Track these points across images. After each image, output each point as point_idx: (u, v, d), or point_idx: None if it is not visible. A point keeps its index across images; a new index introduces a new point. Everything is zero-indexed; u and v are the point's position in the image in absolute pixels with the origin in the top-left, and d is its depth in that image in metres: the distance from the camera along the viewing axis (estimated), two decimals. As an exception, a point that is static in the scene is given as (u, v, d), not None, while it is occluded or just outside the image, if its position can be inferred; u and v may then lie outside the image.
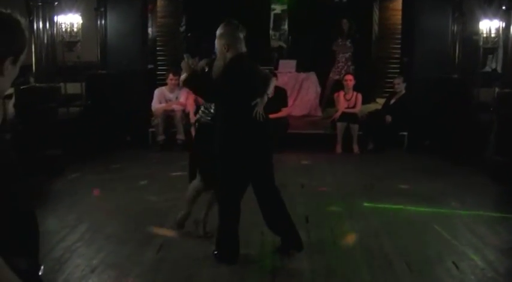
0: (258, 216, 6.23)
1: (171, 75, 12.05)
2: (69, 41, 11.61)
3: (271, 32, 17.46)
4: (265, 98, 6.09)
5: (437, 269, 5.91)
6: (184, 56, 5.95)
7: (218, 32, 6.00)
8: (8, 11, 2.25)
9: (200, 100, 11.82)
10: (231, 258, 5.98)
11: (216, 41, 5.97)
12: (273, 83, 6.58)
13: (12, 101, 9.65)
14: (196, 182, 6.62)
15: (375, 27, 15.55)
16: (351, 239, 6.77)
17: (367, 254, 6.26)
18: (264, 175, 6.17)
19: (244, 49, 5.99)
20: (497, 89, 10.76)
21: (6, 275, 2.09)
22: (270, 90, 6.30)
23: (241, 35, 5.97)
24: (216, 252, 6.05)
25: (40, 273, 2.42)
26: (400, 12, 14.83)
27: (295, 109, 13.64)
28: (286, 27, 17.60)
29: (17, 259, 2.21)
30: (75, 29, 11.62)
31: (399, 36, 14.84)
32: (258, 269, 5.91)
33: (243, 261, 6.02)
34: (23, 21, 2.28)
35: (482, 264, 5.92)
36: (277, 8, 17.81)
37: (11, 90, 9.53)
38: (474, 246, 6.44)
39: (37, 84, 9.84)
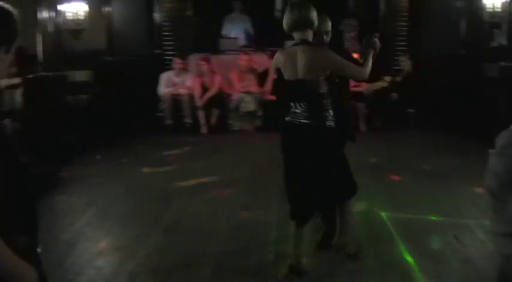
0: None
1: (177, 60, 12.18)
2: (76, 29, 11.65)
3: (277, 13, 17.47)
4: None
5: (438, 241, 5.98)
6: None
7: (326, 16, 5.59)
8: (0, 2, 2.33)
9: (209, 83, 11.97)
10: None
11: (329, 26, 5.55)
12: None
13: (20, 90, 9.73)
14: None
15: (382, 4, 15.47)
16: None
17: (370, 224, 6.33)
18: None
19: None
20: (502, 64, 10.75)
21: (5, 255, 2.18)
22: None
23: None
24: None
25: (39, 250, 2.52)
26: (406, -11, 14.75)
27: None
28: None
29: (17, 237, 2.31)
30: (81, 17, 11.66)
31: (406, 13, 14.76)
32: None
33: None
34: (15, 12, 2.36)
35: (483, 236, 5.96)
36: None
37: (18, 80, 9.62)
38: (476, 219, 6.48)
39: (44, 73, 9.91)
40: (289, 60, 5.18)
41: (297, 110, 5.15)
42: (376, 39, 5.42)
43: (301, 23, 5.15)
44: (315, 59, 5.10)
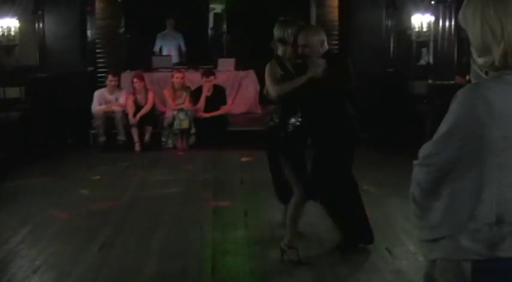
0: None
1: (110, 77, 12.15)
2: (7, 45, 11.56)
3: (210, 31, 17.66)
4: None
5: (371, 254, 6.15)
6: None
7: (314, 29, 6.31)
8: None
9: (142, 101, 12.00)
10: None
11: (310, 39, 5.86)
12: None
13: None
14: (295, 198, 6.03)
15: (313, 24, 15.78)
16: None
17: (302, 241, 6.48)
18: None
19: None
20: (430, 81, 11.11)
21: None
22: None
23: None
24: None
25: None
26: (336, 9, 15.06)
27: (235, 107, 13.78)
28: (225, 26, 17.83)
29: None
30: (12, 33, 11.58)
31: (336, 33, 15.07)
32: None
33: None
34: None
35: (414, 248, 6.17)
36: (216, 8, 18.02)
37: None
38: (407, 232, 6.68)
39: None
40: None
41: None
42: (322, 63, 5.67)
43: (276, 40, 6.06)
44: None
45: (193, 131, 11.89)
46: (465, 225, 2.32)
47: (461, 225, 2.32)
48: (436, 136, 2.40)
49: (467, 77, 9.71)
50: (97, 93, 12.13)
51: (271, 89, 5.86)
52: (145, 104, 12.05)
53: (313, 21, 15.47)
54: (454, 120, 2.34)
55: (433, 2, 11.23)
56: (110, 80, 12.10)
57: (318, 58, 5.72)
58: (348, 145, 6.17)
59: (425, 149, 2.45)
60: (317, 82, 5.58)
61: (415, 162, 2.50)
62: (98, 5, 14.77)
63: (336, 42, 14.87)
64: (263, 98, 6.50)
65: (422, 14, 12.16)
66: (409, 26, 12.68)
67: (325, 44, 5.94)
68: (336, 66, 5.73)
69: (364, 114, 11.79)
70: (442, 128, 2.37)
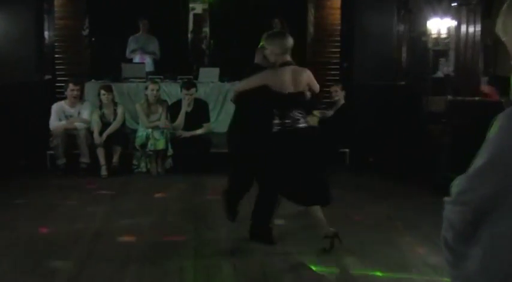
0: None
1: (71, 86, 11.98)
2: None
3: (189, 35, 17.63)
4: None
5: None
6: None
7: None
8: None
9: (109, 116, 11.96)
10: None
11: None
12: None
13: None
14: None
15: (310, 28, 15.81)
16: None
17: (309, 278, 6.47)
18: None
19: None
20: (449, 97, 11.11)
21: None
22: None
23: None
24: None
25: None
26: (338, 11, 15.10)
27: (219, 125, 13.76)
28: (207, 29, 17.81)
29: None
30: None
31: (338, 38, 15.10)
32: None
33: None
34: None
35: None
36: (197, 7, 17.99)
37: None
38: (423, 275, 6.67)
39: None
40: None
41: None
42: None
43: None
44: None
45: (170, 152, 11.86)
46: (509, 276, 2.28)
47: (504, 276, 2.29)
48: (472, 169, 2.35)
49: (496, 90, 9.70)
50: (55, 107, 12.05)
51: None
52: (114, 120, 12.00)
53: (310, 25, 15.52)
54: (494, 150, 2.29)
55: (454, 4, 11.24)
56: (72, 89, 11.96)
57: None
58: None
59: (458, 185, 2.39)
60: None
61: (446, 199, 2.44)
62: (57, 2, 14.71)
63: (337, 49, 14.90)
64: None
65: (441, 18, 12.21)
66: (424, 32, 12.73)
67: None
68: None
69: (369, 135, 11.95)
70: (480, 159, 2.32)
